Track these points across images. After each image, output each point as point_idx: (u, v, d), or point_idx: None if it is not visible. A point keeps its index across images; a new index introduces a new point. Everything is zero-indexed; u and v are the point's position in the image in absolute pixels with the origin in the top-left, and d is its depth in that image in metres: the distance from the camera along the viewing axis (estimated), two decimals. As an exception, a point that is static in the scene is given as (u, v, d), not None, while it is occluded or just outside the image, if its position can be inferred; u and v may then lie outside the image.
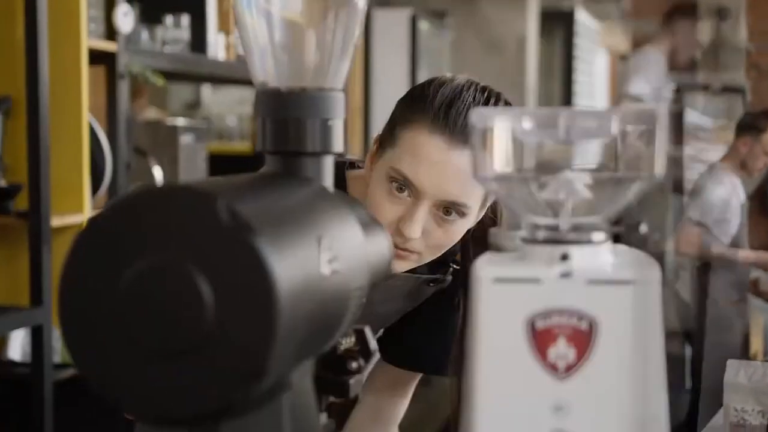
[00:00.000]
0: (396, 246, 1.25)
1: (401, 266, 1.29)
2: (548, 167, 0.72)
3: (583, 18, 7.44)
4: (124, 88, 2.66)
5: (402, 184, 1.24)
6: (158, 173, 2.93)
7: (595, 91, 8.33)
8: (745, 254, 4.65)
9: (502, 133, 0.70)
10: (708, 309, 4.35)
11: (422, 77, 6.40)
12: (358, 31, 0.83)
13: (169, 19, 3.01)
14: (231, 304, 0.59)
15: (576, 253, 0.68)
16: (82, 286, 0.62)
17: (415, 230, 1.24)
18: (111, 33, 2.63)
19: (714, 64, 8.80)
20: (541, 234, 0.70)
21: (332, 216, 0.73)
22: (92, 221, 0.61)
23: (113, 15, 2.61)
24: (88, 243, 0.62)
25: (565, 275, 0.67)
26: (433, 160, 1.22)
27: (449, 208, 1.24)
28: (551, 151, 0.72)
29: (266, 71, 0.80)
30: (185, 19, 3.00)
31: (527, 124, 0.69)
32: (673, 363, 4.11)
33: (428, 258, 1.30)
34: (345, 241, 0.73)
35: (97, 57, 2.59)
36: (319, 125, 0.78)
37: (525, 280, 0.68)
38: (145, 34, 2.92)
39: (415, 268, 1.36)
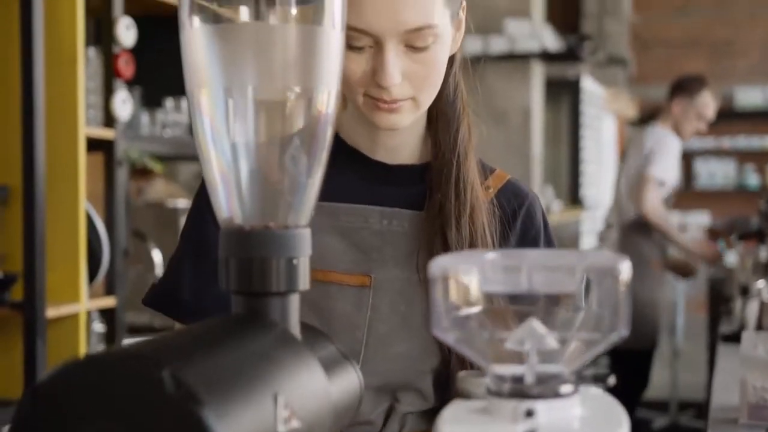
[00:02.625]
0: (384, 101, 1.13)
1: (400, 120, 1.16)
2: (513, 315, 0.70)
3: (588, 85, 7.47)
4: (122, 175, 2.66)
5: (354, 37, 1.11)
6: (158, 257, 2.92)
7: (602, 156, 8.34)
8: (695, 247, 4.58)
9: (463, 282, 0.68)
10: (636, 270, 4.28)
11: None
12: (323, 162, 0.82)
13: (169, 103, 3.02)
14: (176, 478, 0.57)
15: (542, 408, 0.66)
16: (25, 455, 0.60)
17: (391, 75, 1.11)
18: (110, 119, 2.64)
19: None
20: (506, 387, 0.67)
21: (292, 366, 0.71)
22: (34, 389, 0.59)
23: (111, 102, 2.62)
24: (31, 412, 0.60)
25: (529, 434, 0.64)
26: None
27: (416, 38, 1.11)
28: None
29: (231, 208, 0.79)
30: (185, 103, 3.02)
31: (489, 273, 0.67)
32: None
33: (426, 100, 1.16)
34: (305, 392, 0.70)
35: (95, 144, 2.60)
36: (284, 264, 0.77)
37: (488, 439, 0.65)
38: (145, 118, 2.93)
39: None
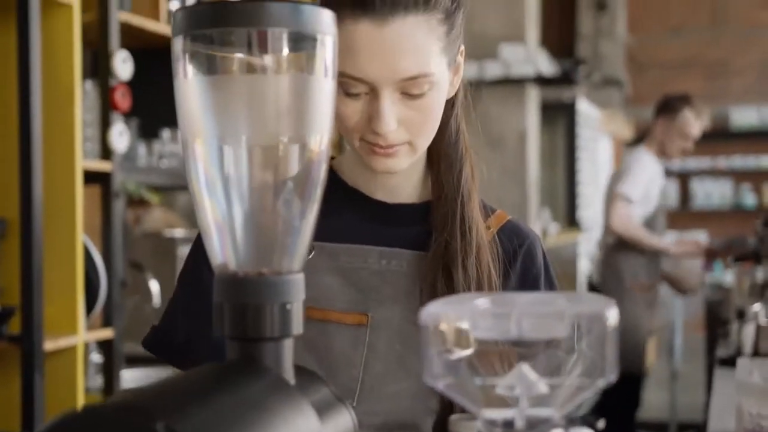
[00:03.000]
0: (380, 146, 1.14)
1: (397, 163, 1.17)
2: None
3: (584, 107, 7.50)
4: (119, 207, 2.67)
5: (350, 84, 1.11)
6: (155, 288, 2.93)
7: (599, 177, 8.36)
8: (675, 247, 4.45)
9: (453, 329, 0.69)
10: (616, 293, 4.24)
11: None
12: (317, 205, 0.83)
13: (165, 133, 3.04)
14: None
15: (532, 453, 0.67)
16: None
17: (387, 123, 1.11)
18: (106, 152, 2.65)
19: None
20: (497, 431, 0.68)
21: (286, 412, 0.72)
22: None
23: (108, 134, 2.63)
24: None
25: (520, 481, 0.65)
26: (368, 46, 1.09)
27: (412, 86, 1.11)
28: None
29: (225, 254, 0.80)
30: (182, 133, 3.03)
31: (479, 321, 0.68)
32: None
33: (422, 145, 1.17)
34: (299, 438, 0.71)
35: (92, 176, 2.61)
36: (277, 310, 0.78)
37: (479, 485, 0.66)
38: (142, 149, 2.94)
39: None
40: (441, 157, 1.24)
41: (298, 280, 0.79)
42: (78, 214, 2.48)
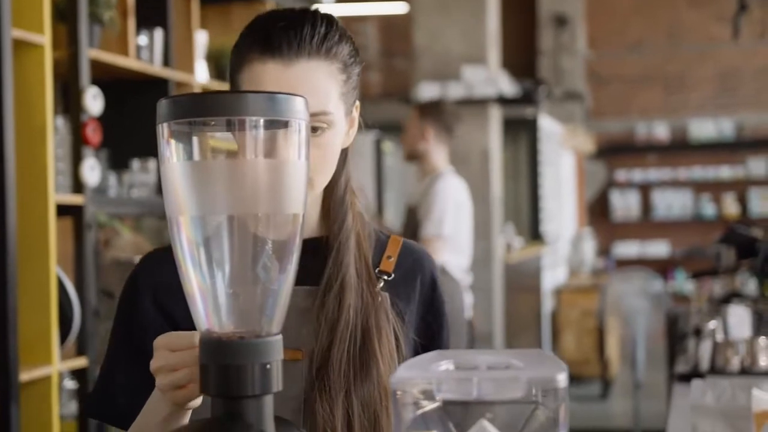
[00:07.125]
0: None
1: None
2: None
3: (546, 123, 7.62)
4: (91, 238, 2.72)
5: None
6: (127, 315, 2.96)
7: (562, 191, 8.49)
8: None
9: (420, 392, 0.76)
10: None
11: (389, 196, 6.55)
12: (293, 271, 0.90)
13: (135, 164, 3.09)
14: None
15: (491, 502, 0.74)
16: None
17: None
18: (78, 185, 2.70)
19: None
20: (459, 483, 0.76)
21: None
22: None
23: (80, 168, 2.68)
24: None
25: None
26: (275, 83, 1.18)
27: (312, 121, 1.14)
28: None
29: (209, 320, 0.87)
30: (152, 163, 3.09)
31: (443, 384, 0.76)
32: None
33: (321, 182, 1.23)
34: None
35: (64, 209, 2.66)
36: (258, 370, 0.85)
37: None
38: (113, 180, 2.99)
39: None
40: (330, 209, 1.30)
41: (277, 341, 0.87)
42: (51, 247, 2.53)
